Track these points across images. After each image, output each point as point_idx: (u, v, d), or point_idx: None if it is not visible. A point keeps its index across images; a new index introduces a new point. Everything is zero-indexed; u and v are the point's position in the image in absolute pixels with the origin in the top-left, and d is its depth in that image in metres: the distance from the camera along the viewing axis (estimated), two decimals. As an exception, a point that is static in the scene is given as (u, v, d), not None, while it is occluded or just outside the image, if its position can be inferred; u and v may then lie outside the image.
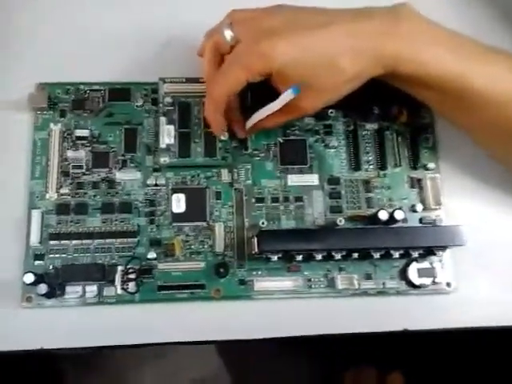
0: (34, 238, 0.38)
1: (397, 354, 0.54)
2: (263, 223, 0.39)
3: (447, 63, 0.35)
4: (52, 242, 0.38)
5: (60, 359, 0.57)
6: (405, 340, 0.48)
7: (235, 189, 0.41)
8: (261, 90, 0.36)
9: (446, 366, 0.56)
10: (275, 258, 0.38)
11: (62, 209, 0.39)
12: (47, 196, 0.39)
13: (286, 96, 0.34)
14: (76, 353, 0.39)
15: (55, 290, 0.37)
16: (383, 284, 0.40)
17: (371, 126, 0.43)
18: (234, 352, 0.32)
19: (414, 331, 0.39)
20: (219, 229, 0.40)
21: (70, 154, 0.40)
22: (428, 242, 0.37)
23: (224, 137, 0.40)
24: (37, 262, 0.38)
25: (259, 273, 0.39)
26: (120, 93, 0.42)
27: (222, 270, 0.38)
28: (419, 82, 0.36)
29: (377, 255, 0.38)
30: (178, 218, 0.39)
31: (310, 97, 0.36)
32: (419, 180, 0.42)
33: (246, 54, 0.34)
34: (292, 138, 0.42)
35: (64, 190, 0.39)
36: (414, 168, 0.42)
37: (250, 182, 0.41)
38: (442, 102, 0.38)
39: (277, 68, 0.34)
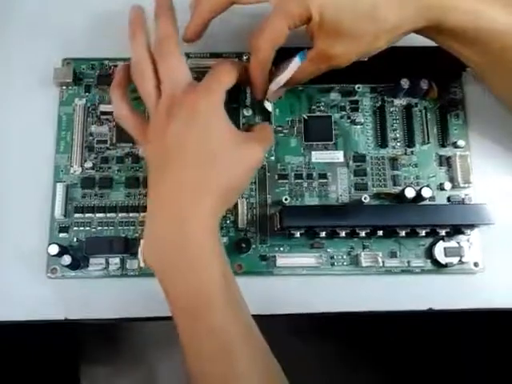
0: (59, 211, 0.38)
1: (421, 333, 0.53)
2: (286, 199, 0.39)
3: (498, 16, 0.33)
4: (76, 215, 0.39)
5: (83, 330, 0.58)
6: (429, 320, 0.47)
7: (258, 165, 0.40)
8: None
9: (470, 347, 0.54)
10: (298, 234, 0.37)
11: (86, 183, 0.39)
12: (72, 170, 0.40)
13: (295, 64, 0.34)
14: (99, 323, 0.39)
15: (79, 262, 0.37)
16: (408, 263, 0.39)
17: (399, 102, 0.42)
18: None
19: (439, 311, 0.38)
20: (242, 205, 0.39)
21: (94, 128, 0.40)
22: (455, 220, 0.36)
23: (269, 104, 0.40)
24: (61, 235, 0.39)
25: (281, 249, 0.39)
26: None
27: (243, 246, 0.38)
28: (464, 38, 0.34)
29: (402, 233, 0.37)
30: (200, 193, 0.39)
31: (345, 45, 0.34)
32: (448, 158, 0.41)
33: (286, 1, 0.33)
34: (317, 114, 0.42)
35: (88, 164, 0.40)
36: (443, 145, 0.41)
37: (273, 158, 0.41)
38: (484, 61, 0.35)
39: (316, 11, 0.32)
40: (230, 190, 0.33)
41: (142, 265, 0.37)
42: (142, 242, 0.35)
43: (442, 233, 0.37)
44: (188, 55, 0.41)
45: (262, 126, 0.39)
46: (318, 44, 0.34)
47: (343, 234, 0.37)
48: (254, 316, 0.38)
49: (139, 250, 0.37)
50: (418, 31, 0.35)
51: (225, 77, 0.35)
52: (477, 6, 0.33)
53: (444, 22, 0.33)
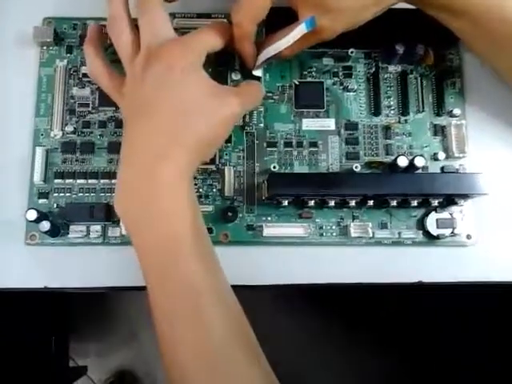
0: (38, 176, 0.37)
1: (409, 306, 0.53)
2: (274, 167, 0.38)
3: None
4: (57, 181, 0.37)
5: (63, 298, 0.57)
6: (419, 292, 0.46)
7: (246, 132, 0.39)
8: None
9: (460, 320, 0.54)
10: (286, 202, 0.36)
11: (67, 147, 0.38)
12: (52, 134, 0.38)
13: (299, 31, 0.32)
14: (79, 292, 0.38)
15: (59, 229, 0.36)
16: (399, 234, 0.38)
17: (394, 69, 0.40)
18: (239, 298, 0.31)
19: (429, 284, 0.37)
20: (229, 173, 0.38)
21: (75, 91, 0.39)
22: (448, 190, 0.35)
23: (258, 72, 0.38)
24: (41, 201, 0.37)
25: (269, 218, 0.38)
26: (129, 28, 0.40)
27: (230, 214, 0.37)
28: (452, 8, 0.33)
29: (393, 203, 0.36)
30: (186, 160, 0.38)
31: (331, 18, 0.33)
32: (443, 127, 0.39)
33: None
34: (308, 80, 0.40)
35: (69, 128, 0.38)
36: (438, 114, 0.40)
37: (262, 125, 0.39)
38: (474, 32, 0.35)
39: None
40: (205, 141, 0.32)
41: (123, 232, 0.36)
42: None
43: (435, 203, 0.36)
44: (174, 15, 0.39)
45: (248, 82, 0.37)
46: (303, 18, 0.33)
47: (332, 203, 0.36)
48: (239, 287, 0.37)
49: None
50: (407, 1, 0.34)
51: (208, 37, 0.33)
52: None
53: None
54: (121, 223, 0.36)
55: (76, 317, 0.62)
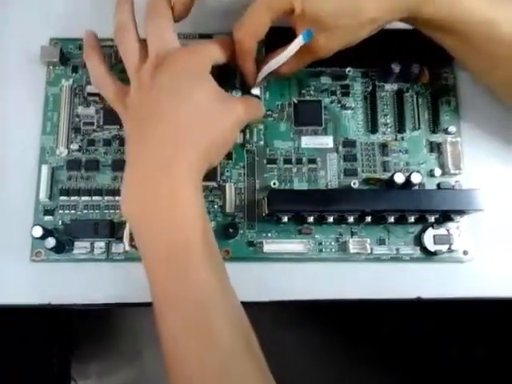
0: (44, 194, 0.38)
1: (409, 322, 0.53)
2: (274, 184, 0.39)
3: (474, 8, 0.33)
4: (62, 198, 0.38)
5: (66, 316, 0.58)
6: (418, 308, 0.46)
7: (247, 150, 0.40)
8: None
9: (458, 336, 0.54)
10: (286, 219, 0.37)
11: (72, 165, 0.39)
12: (57, 152, 0.39)
13: (297, 43, 0.33)
14: (82, 309, 0.39)
15: (64, 245, 0.37)
16: (397, 250, 0.38)
17: (390, 87, 0.41)
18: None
19: (427, 300, 0.38)
20: (230, 189, 0.39)
21: (80, 110, 0.40)
22: (444, 206, 0.36)
23: (257, 89, 0.39)
24: (46, 218, 0.38)
25: (269, 235, 0.38)
26: (132, 49, 0.41)
27: (231, 231, 0.38)
28: (443, 27, 0.34)
29: (391, 219, 0.37)
30: (188, 177, 0.39)
31: (328, 37, 0.34)
32: (439, 144, 0.40)
33: None
34: (307, 98, 0.41)
35: (74, 146, 0.39)
36: (434, 132, 0.41)
37: (262, 143, 0.40)
38: (465, 50, 0.36)
39: (298, 4, 0.32)
40: (213, 144, 0.33)
41: (127, 249, 0.37)
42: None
43: (431, 219, 0.37)
44: (177, 36, 0.40)
45: (250, 97, 0.39)
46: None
47: (331, 219, 0.37)
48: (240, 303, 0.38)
49: (124, 233, 0.37)
50: (399, 21, 0.35)
51: (214, 49, 0.35)
52: None
53: (420, 13, 0.33)
54: (124, 239, 0.37)
55: (78, 335, 0.63)
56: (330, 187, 0.39)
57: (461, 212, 0.36)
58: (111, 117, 0.40)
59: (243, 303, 0.37)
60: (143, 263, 0.31)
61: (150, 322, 0.31)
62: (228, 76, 0.40)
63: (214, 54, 0.35)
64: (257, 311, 0.34)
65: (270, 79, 0.40)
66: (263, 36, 0.35)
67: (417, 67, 0.40)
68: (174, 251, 0.30)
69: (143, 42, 0.35)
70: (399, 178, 0.37)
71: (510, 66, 0.35)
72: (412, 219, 0.37)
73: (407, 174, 0.37)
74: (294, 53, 0.34)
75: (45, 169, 0.38)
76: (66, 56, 0.41)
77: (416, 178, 0.36)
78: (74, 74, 0.41)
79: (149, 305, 0.38)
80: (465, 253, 0.39)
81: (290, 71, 0.38)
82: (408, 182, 0.37)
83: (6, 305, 0.37)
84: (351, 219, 0.37)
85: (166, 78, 0.32)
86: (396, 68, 0.39)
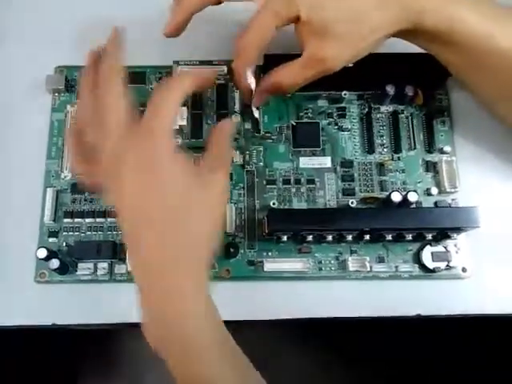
0: (48, 216, 0.39)
1: (409, 339, 0.53)
2: (274, 204, 0.39)
3: (473, 22, 0.34)
4: (66, 220, 0.39)
5: (71, 335, 0.58)
6: (418, 326, 0.46)
7: (247, 170, 0.41)
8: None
9: (459, 353, 0.54)
10: (285, 238, 0.37)
11: (76, 188, 0.40)
12: (62, 175, 0.40)
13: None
14: (87, 329, 0.39)
15: (68, 267, 0.38)
16: (396, 268, 0.39)
17: (386, 109, 0.42)
18: (241, 332, 0.32)
19: (427, 317, 0.38)
20: (230, 210, 0.40)
21: (85, 134, 0.41)
22: (442, 224, 0.36)
23: (256, 111, 0.39)
24: (51, 240, 0.39)
25: (269, 254, 0.39)
26: (135, 76, 0.43)
27: (232, 250, 0.38)
28: (443, 40, 0.35)
29: (389, 237, 0.37)
30: (189, 198, 0.40)
31: (334, 48, 0.34)
32: (434, 163, 0.41)
33: (274, 0, 0.34)
34: (305, 120, 0.42)
35: (78, 170, 0.40)
36: (429, 151, 0.42)
37: (261, 164, 0.41)
38: (464, 64, 0.36)
39: (304, 12, 0.33)
40: (214, 231, 0.31)
41: (130, 269, 0.37)
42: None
43: (429, 237, 0.38)
44: (177, 63, 0.42)
45: (216, 149, 0.33)
46: (308, 47, 0.35)
47: (330, 238, 0.37)
48: (240, 322, 0.38)
49: (127, 254, 0.37)
50: (401, 35, 0.36)
51: (163, 109, 0.30)
52: (453, 10, 0.34)
53: (422, 24, 0.34)
54: (127, 260, 0.37)
55: (82, 355, 0.62)
56: (328, 206, 0.40)
57: (458, 229, 0.37)
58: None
59: (244, 322, 0.38)
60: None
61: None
62: (224, 99, 0.42)
63: (166, 114, 0.30)
64: (257, 330, 0.34)
65: (269, 103, 0.42)
66: (266, 45, 0.35)
67: (411, 89, 0.41)
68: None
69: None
70: (396, 197, 0.37)
71: (509, 80, 0.35)
72: (410, 237, 0.38)
73: (404, 193, 0.37)
74: None
75: (50, 192, 0.39)
76: (70, 83, 0.42)
77: (413, 197, 0.37)
78: (78, 101, 0.42)
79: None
80: (463, 270, 0.39)
81: (296, 85, 0.37)
82: (405, 201, 0.38)
83: (9, 326, 0.38)
84: (350, 238, 0.37)
85: (134, 179, 0.29)
86: (391, 90, 0.40)
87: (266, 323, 0.39)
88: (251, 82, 0.37)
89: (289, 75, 0.36)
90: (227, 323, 0.32)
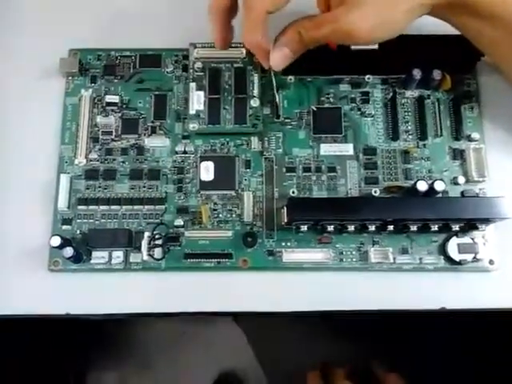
0: (62, 203, 0.38)
1: (433, 333, 0.52)
2: (293, 192, 0.38)
3: None
4: (80, 207, 0.38)
5: (85, 325, 0.57)
6: (442, 319, 0.45)
7: (265, 158, 0.39)
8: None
9: (485, 348, 0.52)
10: (305, 228, 0.36)
11: (90, 174, 0.39)
12: (76, 161, 0.39)
13: None
14: (101, 319, 0.38)
15: (82, 255, 0.37)
16: (420, 259, 0.37)
17: (411, 94, 0.41)
18: (259, 324, 0.31)
19: (452, 310, 0.37)
20: (248, 198, 0.38)
21: (99, 119, 0.40)
22: (469, 214, 0.35)
23: (278, 67, 0.35)
24: (64, 227, 0.38)
25: (288, 244, 0.38)
26: (151, 59, 0.42)
27: (249, 240, 0.37)
28: (482, 14, 0.33)
29: (414, 228, 0.36)
30: (206, 186, 0.38)
31: (361, 20, 0.32)
32: (462, 151, 0.39)
33: None
34: (326, 105, 0.41)
35: (93, 156, 0.39)
36: (457, 138, 0.40)
37: (280, 150, 0.40)
38: (503, 41, 0.34)
39: None
40: None
41: (145, 258, 0.36)
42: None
43: (456, 228, 0.36)
44: (194, 45, 0.40)
45: None
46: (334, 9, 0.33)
47: (352, 228, 0.36)
48: (260, 313, 0.37)
49: (143, 243, 0.36)
50: (437, 9, 0.34)
51: None
52: None
53: None
54: (142, 249, 0.36)
55: (95, 345, 0.62)
56: (350, 196, 0.39)
57: (486, 220, 0.35)
58: (130, 126, 0.40)
59: (262, 314, 0.37)
60: None
61: (167, 332, 0.30)
62: (242, 84, 0.40)
63: None
64: (276, 322, 0.33)
65: (289, 86, 0.40)
66: (278, 9, 0.32)
67: (438, 73, 0.39)
68: None
69: None
70: (422, 186, 0.36)
71: None
72: (435, 228, 0.36)
73: (430, 182, 0.36)
74: None
75: (64, 178, 0.38)
76: (84, 66, 0.41)
77: (439, 186, 0.36)
78: (92, 85, 0.41)
79: (166, 315, 0.37)
80: (491, 262, 0.37)
81: (324, 37, 0.34)
82: (431, 190, 0.36)
83: (23, 315, 0.37)
84: (372, 228, 0.36)
85: None
86: (417, 75, 0.39)
87: (285, 315, 0.37)
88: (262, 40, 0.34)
89: (317, 28, 0.33)
90: (245, 315, 0.31)
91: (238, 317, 0.45)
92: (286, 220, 0.36)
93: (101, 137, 0.40)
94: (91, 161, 0.39)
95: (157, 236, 0.36)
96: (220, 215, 0.38)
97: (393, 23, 0.33)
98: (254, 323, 0.31)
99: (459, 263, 0.37)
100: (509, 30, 0.33)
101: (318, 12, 0.37)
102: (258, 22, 0.33)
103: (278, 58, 0.35)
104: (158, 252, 0.36)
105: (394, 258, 0.37)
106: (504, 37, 0.34)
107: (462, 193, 0.39)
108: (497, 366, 0.51)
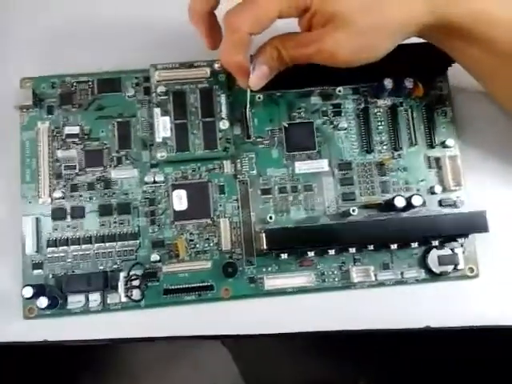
0: (30, 247, 0.36)
1: (418, 351, 0.52)
2: (271, 218, 0.37)
3: (499, 15, 0.31)
4: (49, 250, 0.36)
5: (62, 353, 0.55)
6: (427, 337, 0.45)
7: (239, 181, 0.38)
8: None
9: (471, 364, 0.53)
10: (285, 255, 0.35)
11: (56, 214, 0.37)
12: (40, 201, 0.37)
13: None
14: (78, 345, 0.37)
15: (57, 300, 0.35)
16: (401, 274, 0.37)
17: (383, 103, 0.40)
18: (245, 348, 0.30)
19: (436, 329, 0.37)
20: (224, 225, 0.37)
21: (60, 153, 0.38)
22: (449, 231, 0.35)
23: (256, 86, 0.34)
24: (35, 272, 0.36)
25: (269, 269, 0.37)
26: (109, 83, 0.39)
27: (230, 270, 0.36)
28: (470, 35, 0.32)
29: (394, 246, 0.36)
30: (180, 216, 0.37)
31: (347, 41, 0.31)
32: (437, 159, 0.39)
33: None
34: (298, 121, 0.39)
35: (57, 194, 0.37)
36: (431, 146, 0.39)
37: (254, 172, 0.38)
38: (488, 61, 0.33)
39: (315, 2, 0.30)
40: None
41: (123, 300, 0.35)
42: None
43: (435, 243, 0.36)
44: (155, 66, 0.38)
45: None
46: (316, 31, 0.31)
47: (332, 252, 0.35)
48: (245, 336, 0.37)
49: (119, 284, 0.35)
50: (428, 33, 0.33)
51: None
52: (478, 2, 0.31)
53: (447, 16, 0.31)
54: (119, 290, 0.35)
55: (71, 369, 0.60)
56: (328, 214, 0.38)
57: (465, 235, 0.35)
58: (93, 158, 0.38)
59: (247, 336, 0.36)
60: None
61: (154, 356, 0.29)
62: (209, 106, 0.38)
63: None
64: (262, 344, 0.32)
65: (261, 102, 0.38)
66: (263, 30, 0.31)
67: (410, 82, 0.38)
68: None
69: None
70: (400, 202, 0.35)
71: None
72: (415, 244, 0.36)
73: (408, 195, 0.35)
74: None
75: (28, 221, 0.36)
76: (39, 96, 0.38)
77: (417, 201, 0.35)
78: (49, 116, 0.38)
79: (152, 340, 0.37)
80: (471, 271, 0.38)
81: (304, 58, 0.33)
82: (409, 205, 0.35)
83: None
84: (353, 250, 0.35)
85: None
86: (389, 84, 0.38)
87: (270, 337, 0.37)
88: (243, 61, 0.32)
89: (297, 48, 0.32)
90: (229, 337, 0.31)
91: (225, 340, 0.44)
92: (265, 248, 0.35)
93: (64, 172, 0.38)
94: (56, 199, 0.37)
95: (133, 277, 0.35)
96: (197, 245, 0.37)
97: (379, 45, 0.32)
98: (240, 345, 0.31)
99: (440, 274, 0.37)
100: (509, 55, 0.32)
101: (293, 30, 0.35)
102: (241, 44, 0.31)
103: (257, 77, 0.33)
104: (136, 293, 0.35)
105: (376, 275, 0.37)
106: (503, 63, 0.33)
107: (440, 202, 0.38)
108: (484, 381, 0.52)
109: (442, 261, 0.37)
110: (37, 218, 0.37)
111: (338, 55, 0.31)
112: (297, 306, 0.37)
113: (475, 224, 0.34)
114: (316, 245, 0.34)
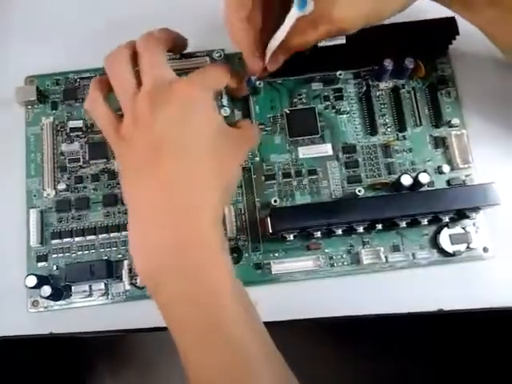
0: (35, 239, 0.36)
1: (431, 335, 0.50)
2: (276, 201, 0.36)
3: None
4: (54, 242, 0.36)
5: (70, 344, 0.54)
6: (440, 320, 0.43)
7: (243, 168, 0.38)
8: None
9: (485, 347, 0.51)
10: (291, 237, 0.35)
11: (61, 206, 0.37)
12: (45, 194, 0.37)
13: (293, 15, 0.28)
14: (83, 337, 0.36)
15: (62, 291, 0.35)
16: (413, 255, 0.36)
17: (385, 85, 0.39)
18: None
19: (449, 312, 0.35)
20: (229, 212, 0.37)
21: (64, 147, 0.38)
22: (458, 204, 0.33)
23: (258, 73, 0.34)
24: (40, 264, 0.36)
25: (276, 255, 0.36)
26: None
27: (235, 256, 0.36)
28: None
29: (403, 224, 0.35)
30: (184, 203, 0.37)
31: (348, 5, 0.29)
32: (443, 139, 0.38)
33: None
34: (299, 107, 0.39)
35: (62, 186, 0.37)
36: (437, 126, 0.39)
37: (257, 158, 0.38)
38: (505, 21, 0.32)
39: None
40: (230, 185, 0.32)
41: (127, 288, 0.35)
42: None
43: (446, 219, 0.35)
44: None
45: (246, 124, 0.36)
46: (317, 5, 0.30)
47: (340, 231, 0.34)
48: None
49: (123, 272, 0.35)
50: None
51: (213, 74, 0.32)
52: None
53: None
54: (123, 278, 0.35)
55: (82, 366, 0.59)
56: (334, 197, 0.37)
57: (476, 209, 0.34)
58: (97, 150, 0.38)
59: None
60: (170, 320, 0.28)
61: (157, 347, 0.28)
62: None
63: (216, 79, 0.32)
64: (270, 331, 0.31)
65: (261, 91, 0.38)
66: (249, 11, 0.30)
67: (411, 62, 0.37)
68: (204, 306, 0.27)
69: (136, 72, 0.31)
70: (406, 180, 0.35)
71: None
72: (425, 221, 0.35)
73: (414, 175, 0.35)
74: (290, 27, 0.29)
75: (33, 213, 0.36)
76: (43, 93, 0.39)
77: (424, 178, 0.34)
78: (53, 112, 0.39)
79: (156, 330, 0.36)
80: (485, 250, 0.36)
81: (305, 45, 0.32)
82: (416, 183, 0.35)
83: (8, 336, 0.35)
84: (361, 229, 0.34)
85: (171, 111, 0.29)
86: (389, 65, 0.37)
87: (280, 324, 0.36)
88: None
89: (296, 37, 0.31)
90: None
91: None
92: (270, 231, 0.34)
93: (68, 165, 0.38)
94: (61, 191, 0.37)
95: (137, 264, 0.34)
96: (202, 233, 0.37)
97: (378, 16, 0.31)
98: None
99: (453, 254, 0.36)
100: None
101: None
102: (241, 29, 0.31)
103: (272, 63, 0.33)
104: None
105: (386, 257, 0.36)
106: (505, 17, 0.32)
107: (448, 181, 0.38)
108: (496, 365, 0.49)
109: (454, 240, 0.36)
110: (41, 211, 0.37)
111: (339, 24, 0.30)
112: (305, 292, 0.36)
113: (486, 196, 0.33)
114: (322, 223, 0.33)
